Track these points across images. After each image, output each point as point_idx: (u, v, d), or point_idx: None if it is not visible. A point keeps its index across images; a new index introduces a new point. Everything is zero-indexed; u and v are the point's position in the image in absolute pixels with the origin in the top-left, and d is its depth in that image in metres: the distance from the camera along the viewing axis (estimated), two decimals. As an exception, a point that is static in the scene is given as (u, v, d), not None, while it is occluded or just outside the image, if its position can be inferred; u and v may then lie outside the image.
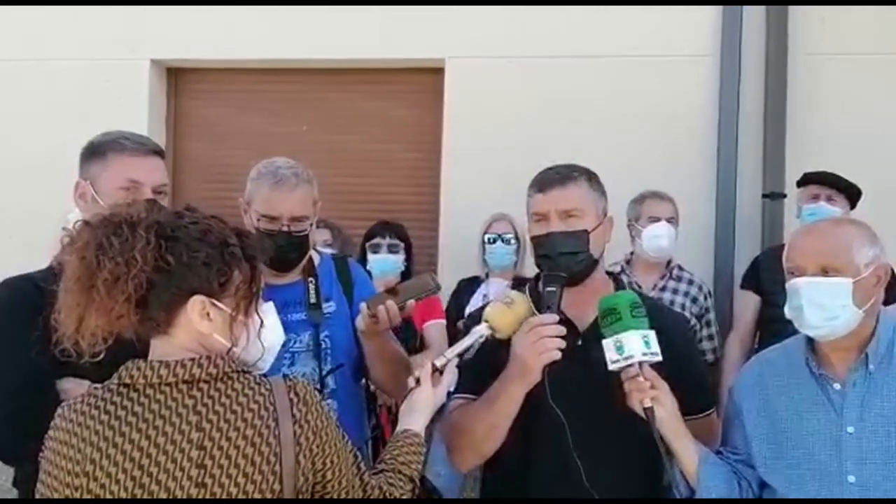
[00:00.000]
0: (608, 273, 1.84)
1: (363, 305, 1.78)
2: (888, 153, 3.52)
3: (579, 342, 1.66)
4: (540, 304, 1.66)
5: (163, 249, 1.21)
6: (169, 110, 4.37)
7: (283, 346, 1.89)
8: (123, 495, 1.19)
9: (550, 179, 1.71)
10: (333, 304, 2.03)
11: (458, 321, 3.30)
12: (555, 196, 1.69)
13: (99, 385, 1.27)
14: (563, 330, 1.55)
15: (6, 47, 4.28)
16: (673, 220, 3.19)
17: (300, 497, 1.27)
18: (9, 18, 4.28)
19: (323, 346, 1.96)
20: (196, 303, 1.24)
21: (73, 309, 1.21)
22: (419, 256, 3.97)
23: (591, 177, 1.75)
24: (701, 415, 1.76)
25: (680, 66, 3.76)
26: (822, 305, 1.49)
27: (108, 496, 1.19)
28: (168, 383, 1.23)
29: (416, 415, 1.54)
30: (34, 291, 1.62)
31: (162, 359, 1.25)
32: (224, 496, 1.21)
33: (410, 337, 3.05)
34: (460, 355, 1.62)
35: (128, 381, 1.24)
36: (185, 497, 1.20)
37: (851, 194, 3.05)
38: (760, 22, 3.69)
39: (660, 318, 1.75)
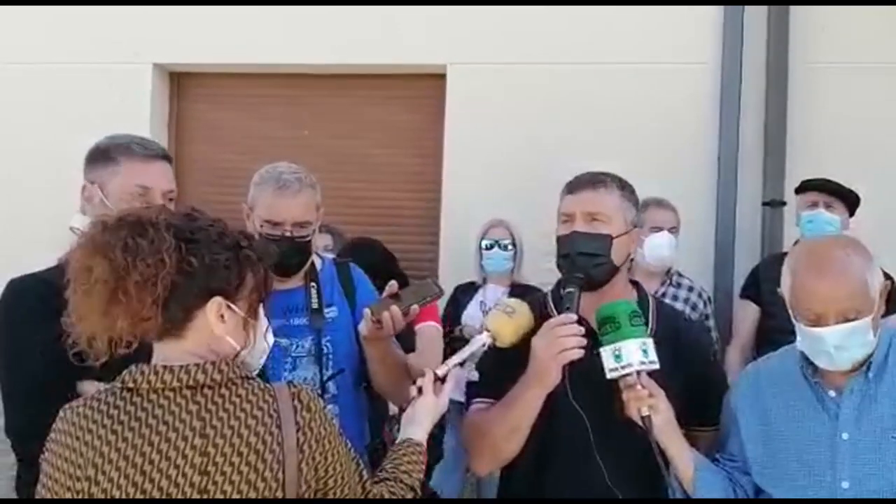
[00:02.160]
0: (632, 282, 1.82)
1: (367, 311, 1.77)
2: (888, 161, 3.53)
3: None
4: (559, 306, 1.67)
5: (184, 251, 1.21)
6: (171, 114, 4.39)
7: (285, 351, 1.90)
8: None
9: (582, 182, 1.72)
10: (335, 309, 2.02)
11: (454, 327, 3.30)
12: (583, 198, 1.69)
13: (101, 388, 1.27)
14: (581, 329, 1.54)
15: (9, 50, 4.30)
16: (674, 230, 3.17)
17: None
18: (12, 22, 4.30)
19: (324, 351, 1.97)
20: (214, 304, 1.25)
21: (94, 312, 1.20)
22: (420, 262, 3.99)
23: (623, 185, 1.74)
24: (713, 428, 1.76)
25: (681, 73, 3.77)
26: (848, 348, 1.48)
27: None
28: (172, 388, 1.22)
29: (417, 424, 1.54)
30: (47, 291, 1.62)
31: (166, 363, 1.25)
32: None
33: (406, 338, 3.04)
34: (462, 364, 1.62)
35: (131, 385, 1.23)
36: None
37: (850, 201, 3.04)
38: (761, 30, 3.70)
39: (678, 327, 1.76)
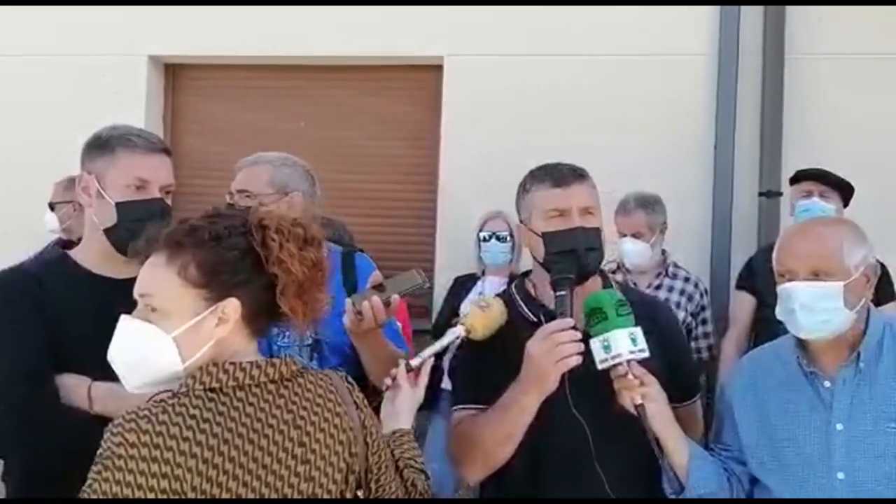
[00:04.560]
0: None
1: (348, 302, 1.74)
2: (884, 152, 3.53)
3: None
4: (529, 304, 1.68)
5: None
6: (166, 106, 4.37)
7: (268, 339, 1.89)
8: None
9: (567, 175, 1.68)
10: (329, 301, 2.00)
11: (452, 319, 3.30)
12: (575, 192, 1.67)
13: (172, 393, 1.20)
14: (578, 335, 1.52)
15: (3, 42, 4.28)
16: (640, 235, 3.13)
17: (370, 477, 1.33)
18: (6, 14, 4.28)
19: (311, 342, 1.95)
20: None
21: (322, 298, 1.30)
22: (416, 254, 3.99)
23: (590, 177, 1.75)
24: (690, 402, 1.78)
25: (678, 65, 3.76)
26: (815, 309, 1.50)
27: None
28: (258, 384, 1.22)
29: (400, 416, 1.54)
30: (33, 285, 1.61)
31: (241, 360, 1.23)
32: (331, 484, 1.24)
33: None
34: (437, 355, 1.62)
35: (215, 385, 1.19)
36: (296, 494, 1.20)
37: (844, 191, 3.05)
38: (758, 22, 3.70)
39: (650, 309, 1.75)
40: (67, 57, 4.20)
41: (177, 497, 1.11)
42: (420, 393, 1.57)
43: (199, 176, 4.16)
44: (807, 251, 1.53)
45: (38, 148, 4.07)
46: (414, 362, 1.58)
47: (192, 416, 1.15)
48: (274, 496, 1.18)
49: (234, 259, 1.21)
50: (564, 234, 1.65)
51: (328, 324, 1.94)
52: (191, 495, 1.12)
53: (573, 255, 1.63)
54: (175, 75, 4.38)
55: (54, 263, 1.72)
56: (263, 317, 1.26)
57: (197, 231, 1.22)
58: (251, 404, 1.20)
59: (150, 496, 1.10)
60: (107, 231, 1.65)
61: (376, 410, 1.50)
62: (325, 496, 1.23)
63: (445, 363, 1.89)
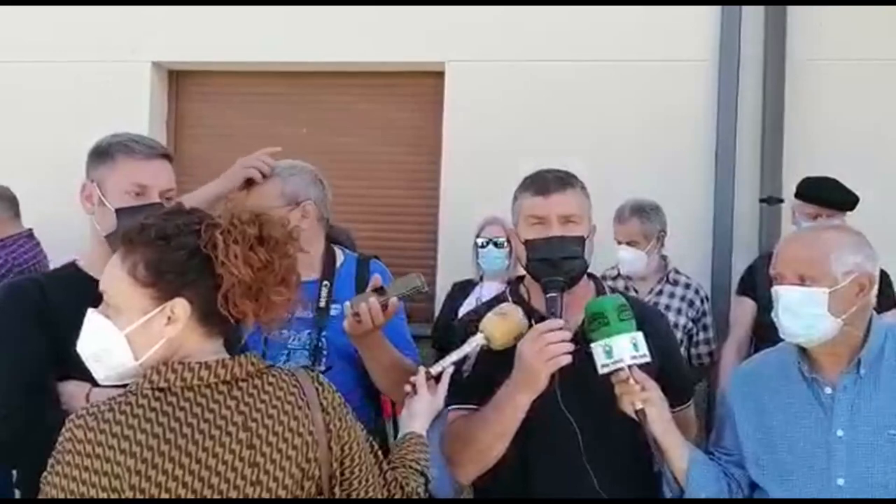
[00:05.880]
0: (589, 275, 1.83)
1: (347, 305, 1.74)
2: (886, 157, 3.54)
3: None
4: (526, 309, 1.68)
5: None
6: (170, 112, 4.38)
7: (283, 342, 1.90)
8: None
9: (550, 183, 1.70)
10: (339, 306, 2.01)
11: (451, 322, 3.30)
12: (556, 200, 1.68)
13: (124, 392, 1.21)
14: (568, 335, 1.54)
15: (8, 50, 4.30)
16: (635, 243, 3.14)
17: (334, 483, 1.29)
18: (10, 20, 4.30)
19: (321, 345, 1.96)
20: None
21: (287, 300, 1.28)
22: (419, 260, 4.00)
23: (582, 185, 1.76)
24: (683, 406, 1.80)
25: (679, 70, 3.77)
26: (798, 314, 1.51)
27: None
28: (209, 385, 1.21)
29: (416, 420, 1.55)
30: (37, 293, 1.62)
31: (192, 360, 1.22)
32: (280, 489, 1.21)
33: None
34: (456, 363, 1.63)
35: (163, 385, 1.19)
36: (241, 497, 1.19)
37: (849, 204, 3.04)
38: (759, 27, 3.70)
39: (644, 315, 1.76)
40: (71, 63, 4.22)
41: (116, 495, 1.11)
42: (439, 401, 1.58)
43: (202, 182, 4.14)
44: (794, 256, 1.56)
45: (41, 154, 4.08)
46: (434, 370, 1.60)
47: (136, 415, 1.15)
48: (217, 499, 1.16)
49: (181, 259, 1.20)
50: (541, 243, 1.67)
51: (335, 327, 1.95)
52: (128, 494, 1.11)
53: (548, 264, 1.65)
54: (178, 81, 4.40)
55: (60, 272, 1.74)
56: (217, 317, 1.22)
57: (146, 229, 1.22)
58: (199, 405, 1.19)
59: (93, 492, 1.11)
60: (108, 237, 1.66)
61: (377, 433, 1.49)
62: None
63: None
